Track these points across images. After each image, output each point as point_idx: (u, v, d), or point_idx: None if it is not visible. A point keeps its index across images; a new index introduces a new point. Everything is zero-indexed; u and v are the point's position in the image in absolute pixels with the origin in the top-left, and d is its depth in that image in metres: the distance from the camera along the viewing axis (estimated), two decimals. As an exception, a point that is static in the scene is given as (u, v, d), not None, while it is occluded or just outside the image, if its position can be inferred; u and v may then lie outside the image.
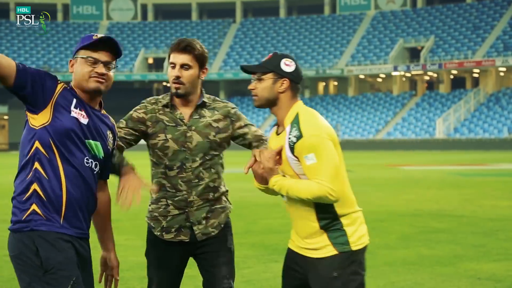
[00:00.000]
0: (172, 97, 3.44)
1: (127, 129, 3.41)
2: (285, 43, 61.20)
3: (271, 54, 3.17)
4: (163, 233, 3.42)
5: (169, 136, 3.37)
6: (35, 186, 2.74)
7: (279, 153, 3.07)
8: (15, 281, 6.19)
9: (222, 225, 3.49)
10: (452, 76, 56.38)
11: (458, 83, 56.22)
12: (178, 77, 3.35)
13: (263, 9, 65.54)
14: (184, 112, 3.41)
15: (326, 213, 3.05)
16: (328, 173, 2.95)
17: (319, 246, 3.08)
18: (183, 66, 3.36)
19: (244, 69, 3.15)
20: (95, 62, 2.88)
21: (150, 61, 62.87)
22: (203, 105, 3.44)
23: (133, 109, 3.46)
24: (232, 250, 3.54)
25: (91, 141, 2.86)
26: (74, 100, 2.85)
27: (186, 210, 3.41)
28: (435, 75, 56.95)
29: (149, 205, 3.51)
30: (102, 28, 64.89)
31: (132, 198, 3.00)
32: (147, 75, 60.41)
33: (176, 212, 3.41)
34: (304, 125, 3.01)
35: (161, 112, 3.42)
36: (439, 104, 53.36)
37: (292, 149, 3.01)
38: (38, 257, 2.67)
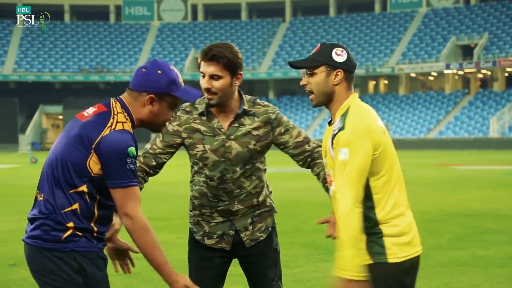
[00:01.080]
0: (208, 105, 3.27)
1: (162, 147, 3.28)
2: (335, 41, 60.54)
3: (319, 45, 2.98)
4: (205, 238, 3.35)
5: (207, 146, 3.24)
6: (77, 206, 2.67)
7: None
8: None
9: (270, 228, 3.39)
10: (506, 74, 55.15)
11: (513, 81, 55.01)
12: (208, 89, 3.18)
13: (313, 8, 65.32)
14: (222, 120, 3.26)
15: (365, 217, 2.85)
16: (352, 178, 2.77)
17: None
18: (213, 77, 3.17)
19: (293, 65, 2.96)
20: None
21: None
22: (243, 112, 3.27)
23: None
24: (278, 250, 3.43)
25: None
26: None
27: (231, 218, 3.33)
28: (489, 73, 55.81)
29: (190, 211, 3.43)
30: (153, 28, 65.74)
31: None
32: (197, 75, 60.75)
33: (221, 219, 3.32)
34: (350, 119, 2.83)
35: (197, 121, 3.26)
36: (493, 103, 52.29)
37: (332, 141, 2.84)
38: (79, 275, 2.63)
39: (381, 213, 2.89)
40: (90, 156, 2.63)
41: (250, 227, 3.34)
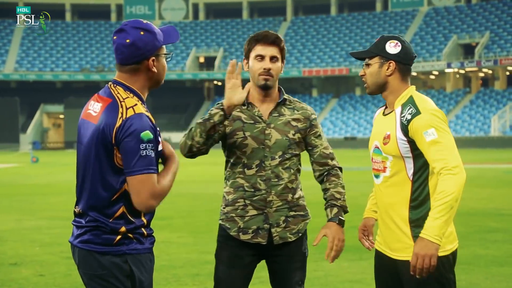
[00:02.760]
0: (248, 95, 3.35)
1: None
2: (336, 40, 60.87)
3: (379, 37, 3.11)
4: (240, 234, 3.33)
5: (247, 133, 3.31)
6: (123, 208, 2.62)
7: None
8: (71, 277, 6.35)
9: (301, 234, 3.41)
10: (508, 73, 55.11)
11: (514, 80, 54.94)
12: (269, 69, 3.30)
13: (314, 7, 65.30)
14: (262, 109, 3.36)
15: (420, 202, 2.93)
16: (450, 148, 2.84)
17: (403, 246, 2.96)
18: (273, 59, 3.31)
19: (353, 55, 3.11)
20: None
21: (201, 60, 63.37)
22: (283, 102, 3.38)
23: (211, 108, 3.34)
24: (307, 254, 3.46)
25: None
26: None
27: (265, 211, 3.32)
28: (490, 71, 55.76)
29: (223, 208, 3.42)
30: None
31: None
32: (198, 74, 60.92)
33: (255, 212, 3.32)
34: (421, 104, 2.93)
35: (237, 109, 3.34)
36: (494, 101, 52.26)
37: (405, 128, 2.91)
38: (128, 279, 2.61)
39: (432, 200, 2.92)
40: (115, 154, 2.58)
41: (283, 225, 3.34)
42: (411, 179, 2.95)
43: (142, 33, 2.63)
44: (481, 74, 57.29)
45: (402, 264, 2.97)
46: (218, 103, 3.27)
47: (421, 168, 2.95)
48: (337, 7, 63.96)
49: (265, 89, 3.33)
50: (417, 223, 2.94)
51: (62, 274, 6.55)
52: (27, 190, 16.27)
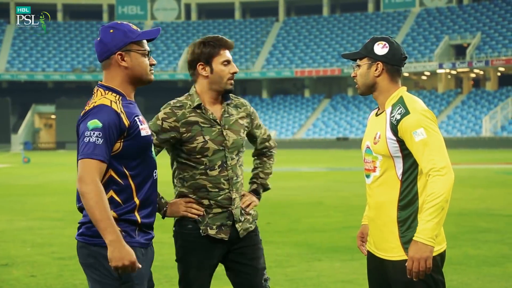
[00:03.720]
0: (201, 98, 3.42)
1: (158, 143, 3.35)
2: (328, 41, 60.93)
3: (371, 38, 3.14)
4: (207, 228, 3.42)
5: (207, 137, 3.38)
6: (111, 193, 2.76)
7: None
8: (63, 278, 6.33)
9: (256, 220, 3.56)
10: (499, 74, 55.31)
11: (505, 80, 55.10)
12: (235, 73, 3.43)
13: (306, 7, 65.34)
14: (215, 111, 3.44)
15: (408, 202, 2.96)
16: (438, 149, 2.87)
17: (391, 246, 2.98)
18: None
19: (345, 57, 3.15)
20: (148, 54, 2.89)
21: (194, 60, 63.32)
22: (228, 103, 3.49)
23: (159, 119, 3.37)
24: (261, 239, 3.62)
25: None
26: (127, 114, 2.82)
27: (229, 209, 3.43)
28: (482, 72, 55.95)
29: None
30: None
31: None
32: (190, 74, 60.82)
33: (219, 210, 3.42)
34: (411, 104, 2.96)
35: (192, 114, 3.39)
36: (485, 102, 52.44)
37: (394, 128, 2.94)
38: (116, 269, 2.70)
39: (421, 200, 2.96)
40: None
41: (242, 218, 3.47)
42: (400, 178, 2.97)
43: (111, 31, 2.82)
44: (473, 75, 57.47)
45: (389, 264, 2.99)
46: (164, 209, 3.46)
47: (410, 168, 2.96)
48: (329, 7, 64.03)
49: (229, 92, 3.47)
50: (405, 223, 2.96)
51: (54, 274, 6.53)
52: (19, 191, 16.21)
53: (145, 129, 2.81)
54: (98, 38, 2.83)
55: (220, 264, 3.54)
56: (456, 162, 27.34)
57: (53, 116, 59.88)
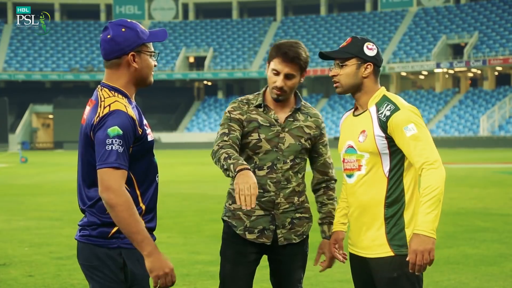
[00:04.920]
0: (265, 98, 3.41)
1: (237, 127, 3.34)
2: (326, 40, 60.95)
3: (350, 38, 3.10)
4: (246, 233, 3.37)
5: (262, 136, 3.34)
6: None
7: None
8: (61, 278, 6.32)
9: (305, 236, 3.47)
10: (496, 73, 55.38)
11: (503, 80, 55.20)
12: (281, 87, 3.31)
13: (304, 7, 65.37)
14: (278, 113, 3.39)
15: (395, 199, 2.97)
16: (429, 143, 2.91)
17: (376, 244, 2.98)
18: (288, 76, 3.31)
19: (324, 55, 3.07)
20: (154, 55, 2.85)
21: (191, 60, 63.29)
22: (298, 108, 3.43)
23: (227, 112, 3.38)
24: (307, 254, 3.53)
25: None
26: (137, 116, 2.76)
27: (272, 212, 3.37)
28: (479, 71, 56.02)
29: (229, 204, 3.46)
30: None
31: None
32: (188, 74, 60.83)
33: (262, 212, 3.35)
34: (397, 101, 2.99)
35: (254, 112, 3.38)
36: (483, 101, 52.50)
37: (383, 124, 2.95)
38: (122, 271, 2.69)
39: (407, 196, 2.98)
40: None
41: (288, 226, 3.40)
42: (387, 176, 2.98)
43: (123, 29, 2.74)
44: (470, 74, 57.54)
45: (374, 261, 2.99)
46: (240, 166, 3.04)
47: (397, 165, 2.98)
48: (326, 7, 64.05)
49: (276, 101, 3.38)
50: (391, 219, 2.97)
51: (52, 274, 6.52)
52: (16, 191, 16.20)
53: (150, 134, 2.79)
54: (109, 36, 2.73)
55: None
56: (454, 162, 27.34)
57: (50, 116, 59.81)
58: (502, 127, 48.47)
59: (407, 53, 56.61)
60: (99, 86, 2.81)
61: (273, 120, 3.37)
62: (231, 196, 3.45)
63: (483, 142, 45.96)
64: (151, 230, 2.81)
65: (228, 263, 3.41)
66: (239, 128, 3.34)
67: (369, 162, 2.98)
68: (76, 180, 2.87)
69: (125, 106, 2.69)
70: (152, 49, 2.82)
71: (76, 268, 6.63)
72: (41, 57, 62.63)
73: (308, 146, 3.41)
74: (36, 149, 57.29)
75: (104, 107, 2.67)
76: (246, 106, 3.40)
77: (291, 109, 3.40)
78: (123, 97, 2.73)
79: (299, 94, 3.47)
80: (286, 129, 3.37)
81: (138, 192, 2.74)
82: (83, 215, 2.81)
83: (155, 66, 2.86)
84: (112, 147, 2.59)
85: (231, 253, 3.40)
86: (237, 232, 3.39)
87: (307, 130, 3.41)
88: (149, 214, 2.79)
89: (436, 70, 54.95)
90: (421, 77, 58.90)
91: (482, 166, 24.80)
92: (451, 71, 56.48)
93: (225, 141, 3.27)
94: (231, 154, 3.15)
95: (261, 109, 3.39)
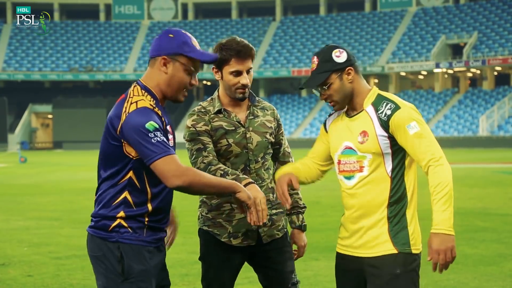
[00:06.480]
0: (222, 102, 3.39)
1: (210, 141, 3.31)
2: (325, 40, 60.92)
3: (315, 57, 3.01)
4: (231, 239, 3.37)
5: (230, 140, 3.34)
6: (126, 194, 2.77)
7: None
8: (60, 278, 6.32)
9: (285, 229, 3.50)
10: (496, 73, 55.39)
11: (502, 80, 55.20)
12: (247, 84, 3.32)
13: (303, 7, 65.36)
14: (238, 114, 3.40)
15: (398, 198, 2.96)
16: (433, 140, 2.91)
17: (378, 242, 2.96)
18: (249, 71, 3.34)
19: (307, 85, 3.03)
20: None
21: (191, 60, 63.34)
22: (254, 104, 3.44)
23: (191, 126, 3.34)
24: (291, 246, 3.55)
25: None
26: (164, 119, 2.78)
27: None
28: (478, 71, 56.03)
29: (206, 213, 3.44)
30: (143, 27, 65.57)
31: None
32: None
33: (242, 215, 3.33)
34: (396, 99, 2.96)
35: (216, 119, 3.36)
36: (482, 101, 52.51)
37: (385, 124, 2.92)
38: (119, 264, 2.74)
39: (411, 195, 2.98)
40: (123, 144, 2.72)
41: (269, 223, 3.41)
42: (390, 175, 2.97)
43: (171, 35, 2.82)
44: (469, 74, 57.55)
45: (376, 260, 2.96)
46: (241, 180, 3.08)
47: (399, 164, 2.98)
48: (326, 7, 64.06)
49: (241, 100, 3.39)
50: (394, 218, 2.96)
51: (51, 274, 6.52)
52: (15, 190, 16.19)
53: (171, 140, 2.82)
54: (157, 37, 2.85)
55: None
56: (453, 162, 27.37)
57: (50, 116, 59.79)
58: (502, 127, 48.49)
59: (406, 53, 56.62)
60: (135, 82, 2.87)
61: (236, 122, 3.37)
62: (206, 204, 3.43)
63: (482, 142, 45.97)
64: (157, 228, 2.81)
65: (212, 268, 3.40)
66: (209, 140, 3.32)
67: (372, 163, 2.95)
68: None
69: (150, 105, 2.74)
70: (191, 66, 2.81)
71: (75, 268, 6.63)
72: (40, 57, 62.61)
73: (272, 140, 3.45)
74: (36, 149, 57.28)
75: (131, 103, 2.72)
76: (207, 115, 3.36)
77: (248, 106, 3.42)
78: (152, 99, 2.77)
79: (251, 91, 3.47)
80: (251, 128, 3.38)
81: (149, 193, 2.77)
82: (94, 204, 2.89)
83: (191, 85, 2.84)
84: (157, 139, 2.65)
85: (215, 259, 3.40)
86: (222, 240, 3.38)
87: (268, 124, 3.44)
88: (156, 216, 2.81)
89: (436, 70, 54.95)
90: (420, 77, 58.90)
91: (481, 166, 24.81)
92: (450, 71, 56.49)
93: (206, 156, 3.26)
94: (225, 170, 3.18)
95: (222, 115, 3.37)
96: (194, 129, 3.32)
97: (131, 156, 2.72)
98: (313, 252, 7.48)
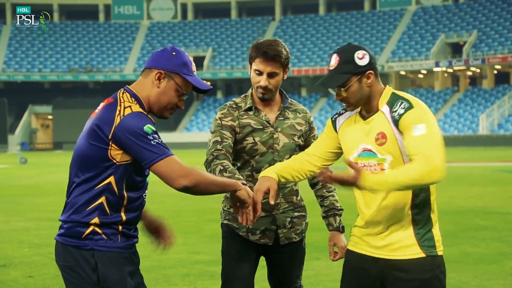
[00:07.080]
0: (253, 99, 3.44)
1: (229, 135, 3.35)
2: (325, 40, 60.96)
3: (336, 55, 2.88)
4: (249, 234, 3.42)
5: (257, 139, 3.38)
6: (102, 200, 2.70)
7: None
8: (61, 279, 6.32)
9: (304, 234, 3.52)
10: (495, 71, 55.40)
11: (502, 78, 55.21)
12: (265, 86, 3.34)
13: (302, 6, 65.37)
14: (268, 114, 3.43)
15: (422, 200, 2.87)
16: (437, 145, 2.72)
17: (404, 245, 2.88)
18: (271, 74, 3.34)
19: (324, 85, 2.87)
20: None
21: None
22: (286, 106, 3.47)
23: (218, 119, 3.39)
24: (305, 251, 3.59)
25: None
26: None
27: (273, 213, 3.42)
28: (478, 70, 56.03)
29: (228, 208, 3.48)
30: (143, 27, 65.57)
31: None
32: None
33: (263, 214, 3.35)
34: (412, 99, 2.84)
35: (245, 116, 3.41)
36: (482, 100, 52.52)
37: (396, 123, 2.80)
38: (94, 273, 2.68)
39: (432, 197, 2.93)
40: (109, 148, 2.65)
41: (288, 226, 3.45)
42: None
43: (174, 53, 2.80)
44: (469, 73, 57.55)
45: (403, 263, 2.89)
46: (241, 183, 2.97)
47: None
48: (325, 6, 64.06)
49: (262, 100, 3.42)
50: (420, 221, 2.89)
51: (52, 275, 6.52)
52: (16, 191, 16.19)
53: None
54: (158, 50, 2.83)
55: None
56: (453, 160, 27.37)
57: (50, 117, 59.80)
58: (501, 125, 48.49)
59: (406, 52, 56.63)
60: (121, 89, 2.81)
61: (265, 121, 3.41)
62: (229, 200, 3.47)
63: (482, 141, 45.97)
64: (130, 235, 2.76)
65: (231, 260, 3.43)
66: (231, 136, 3.35)
67: (394, 165, 2.83)
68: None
69: (143, 111, 2.73)
70: (183, 89, 2.80)
71: (76, 269, 6.63)
72: (40, 58, 62.61)
73: (301, 143, 3.46)
74: (36, 149, 57.28)
75: (125, 108, 2.69)
76: (237, 111, 3.42)
77: (279, 108, 3.44)
78: (141, 108, 2.74)
79: (284, 92, 3.50)
80: (279, 129, 3.41)
81: (124, 202, 2.72)
82: (63, 210, 2.81)
83: (177, 107, 2.83)
84: (156, 141, 2.63)
85: (235, 251, 3.44)
86: (240, 233, 3.44)
87: (298, 127, 3.45)
88: (129, 226, 2.77)
89: (435, 69, 54.95)
90: (420, 76, 58.90)
91: (481, 164, 24.81)
92: (450, 70, 56.50)
93: (219, 150, 3.29)
94: (226, 166, 3.19)
95: (252, 112, 3.41)
96: (220, 121, 3.38)
97: (114, 161, 2.66)
98: (314, 252, 7.48)
